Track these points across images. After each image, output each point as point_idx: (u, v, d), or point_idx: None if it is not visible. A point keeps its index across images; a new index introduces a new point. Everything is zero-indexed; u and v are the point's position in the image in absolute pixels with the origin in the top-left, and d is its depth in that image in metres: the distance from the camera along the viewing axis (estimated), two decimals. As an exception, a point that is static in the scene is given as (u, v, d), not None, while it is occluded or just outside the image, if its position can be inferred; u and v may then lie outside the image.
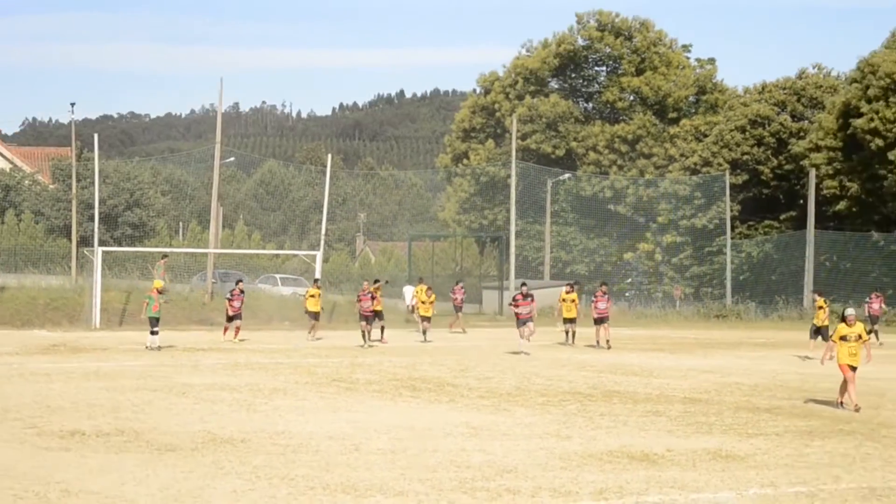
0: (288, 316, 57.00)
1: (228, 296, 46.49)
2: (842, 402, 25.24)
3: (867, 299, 54.67)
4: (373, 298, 44.50)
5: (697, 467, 17.26)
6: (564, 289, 47.86)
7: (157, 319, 40.35)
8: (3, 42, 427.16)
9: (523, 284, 44.31)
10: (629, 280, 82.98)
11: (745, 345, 48.03)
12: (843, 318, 25.42)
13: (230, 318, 45.37)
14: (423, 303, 49.24)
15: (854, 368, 25.00)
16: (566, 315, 45.54)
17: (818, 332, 40.79)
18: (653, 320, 67.94)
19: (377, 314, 46.47)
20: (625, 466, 17.17)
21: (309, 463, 17.05)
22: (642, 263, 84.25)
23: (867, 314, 52.59)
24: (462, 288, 56.86)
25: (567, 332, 45.45)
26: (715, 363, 38.36)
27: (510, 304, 43.43)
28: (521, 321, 40.69)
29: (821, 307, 42.08)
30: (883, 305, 55.54)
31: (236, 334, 44.90)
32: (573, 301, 45.81)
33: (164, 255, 60.25)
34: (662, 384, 30.49)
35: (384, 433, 20.38)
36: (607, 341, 44.28)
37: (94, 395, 25.75)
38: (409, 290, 58.44)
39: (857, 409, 24.46)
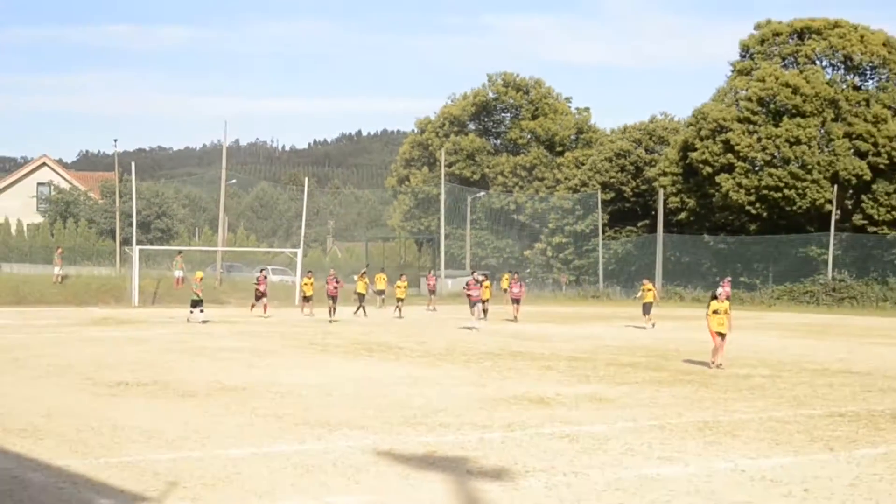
0: (277, 297, 56.76)
1: (255, 281, 46.74)
2: (713, 363, 24.46)
3: (720, 283, 54.11)
4: (337, 282, 44.05)
5: (579, 407, 17.34)
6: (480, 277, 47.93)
7: (201, 301, 40.27)
8: (65, 94, 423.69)
9: (474, 272, 43.90)
10: (528, 270, 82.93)
11: (613, 318, 48.24)
12: (715, 297, 25.00)
13: (258, 297, 45.38)
14: (398, 287, 48.72)
15: (723, 335, 24.48)
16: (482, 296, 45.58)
17: (647, 306, 41.11)
18: (545, 300, 68.15)
19: (361, 295, 46.34)
20: (526, 407, 17.23)
21: (294, 405, 17.01)
22: (537, 258, 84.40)
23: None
24: (435, 276, 56.66)
25: (483, 310, 45.40)
26: (591, 331, 38.55)
27: (464, 288, 42.00)
28: (472, 302, 38.81)
29: (649, 290, 42.06)
30: (728, 288, 54.18)
31: (265, 310, 44.71)
32: (486, 286, 45.83)
33: (180, 252, 60.54)
34: (553, 346, 30.59)
35: (349, 382, 20.37)
36: (515, 316, 44.28)
37: (134, 355, 25.62)
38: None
39: (719, 366, 24.04)
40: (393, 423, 15.17)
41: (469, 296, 39.13)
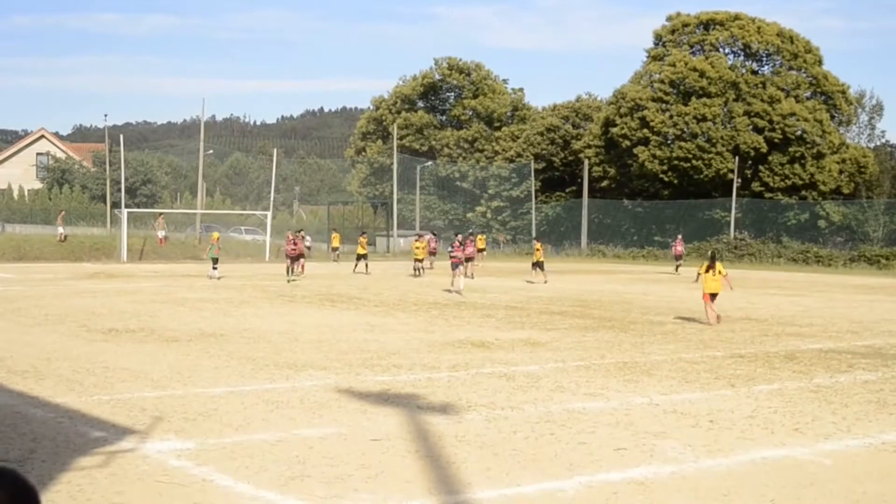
0: (249, 253, 56.50)
1: (285, 242, 41.95)
2: (718, 320, 22.57)
3: (673, 242, 51.38)
4: (295, 245, 39.94)
5: (515, 350, 17.39)
6: (414, 239, 46.65)
7: (217, 259, 38.23)
8: (62, 74, 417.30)
9: (457, 235, 40.57)
10: (470, 231, 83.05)
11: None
12: (714, 260, 23.42)
13: (294, 258, 40.16)
14: (417, 247, 44.62)
15: (716, 295, 23.06)
16: (417, 256, 44.17)
17: (536, 264, 39.31)
18: (485, 257, 68.02)
19: (361, 255, 44.29)
20: (469, 350, 17.25)
21: (265, 349, 16.93)
22: (478, 219, 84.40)
23: (673, 254, 49.65)
24: (436, 238, 54.24)
25: (421, 268, 43.84)
26: (524, 284, 38.59)
27: (448, 251, 39.00)
28: (453, 265, 33.53)
29: (538, 249, 40.12)
30: (681, 247, 49.59)
31: (302, 269, 40.79)
32: (423, 247, 44.73)
33: (160, 214, 60.05)
34: (492, 297, 30.64)
35: (313, 329, 20.29)
36: (472, 274, 42.31)
37: (123, 305, 25.34)
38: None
39: (718, 319, 22.64)
40: (352, 365, 15.14)
41: (452, 257, 34.36)
